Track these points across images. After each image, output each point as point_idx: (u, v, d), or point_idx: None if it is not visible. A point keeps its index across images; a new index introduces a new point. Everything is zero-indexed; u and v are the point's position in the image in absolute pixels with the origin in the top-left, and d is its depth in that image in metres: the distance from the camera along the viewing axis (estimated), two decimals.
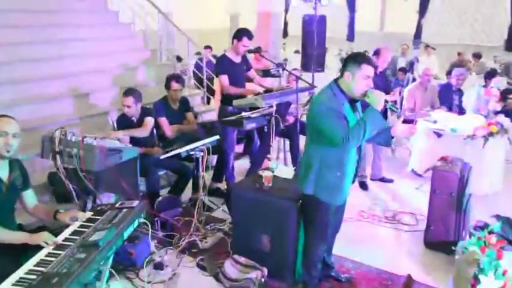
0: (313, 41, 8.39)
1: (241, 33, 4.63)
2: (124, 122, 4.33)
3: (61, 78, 5.58)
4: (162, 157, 3.86)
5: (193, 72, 8.09)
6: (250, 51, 4.76)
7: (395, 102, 5.50)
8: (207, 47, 9.19)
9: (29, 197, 2.93)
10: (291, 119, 5.33)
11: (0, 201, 2.69)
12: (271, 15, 9.13)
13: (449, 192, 3.63)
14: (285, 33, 15.76)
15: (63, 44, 6.06)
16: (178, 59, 7.88)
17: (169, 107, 4.69)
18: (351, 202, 4.70)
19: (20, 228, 2.86)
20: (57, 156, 3.50)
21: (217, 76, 4.80)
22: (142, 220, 2.95)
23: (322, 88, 2.92)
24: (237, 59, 4.76)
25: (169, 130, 4.58)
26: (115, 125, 4.40)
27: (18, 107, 4.92)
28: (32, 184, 3.04)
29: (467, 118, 4.92)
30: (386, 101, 2.75)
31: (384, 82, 4.86)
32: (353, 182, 3.04)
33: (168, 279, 3.38)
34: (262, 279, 3.19)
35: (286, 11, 15.30)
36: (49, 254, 2.38)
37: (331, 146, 2.74)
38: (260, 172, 3.50)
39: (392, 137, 3.01)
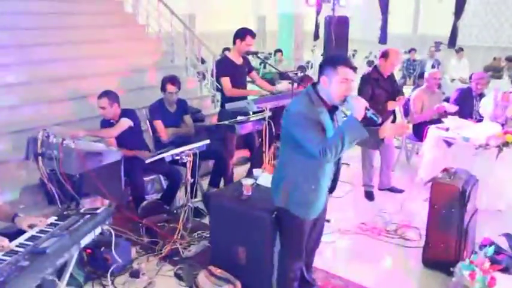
0: (336, 43, 8.11)
1: (244, 32, 4.49)
2: (104, 125, 4.26)
3: (70, 80, 5.61)
4: (147, 161, 3.74)
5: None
6: (248, 53, 4.58)
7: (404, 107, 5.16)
8: (226, 49, 9.06)
9: None
10: None
11: None
12: (294, 17, 8.92)
13: (450, 207, 3.32)
14: (316, 36, 15.43)
15: (76, 46, 6.11)
16: (202, 61, 7.82)
17: (165, 110, 4.58)
18: (352, 213, 4.53)
19: None
20: (39, 158, 3.48)
21: (218, 78, 4.66)
22: (106, 227, 2.82)
23: (299, 94, 2.72)
24: (239, 61, 4.62)
25: (164, 133, 4.48)
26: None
27: (24, 108, 5.00)
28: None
29: (483, 126, 4.54)
30: (367, 109, 2.49)
31: (391, 86, 4.57)
32: (331, 192, 2.81)
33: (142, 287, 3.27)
34: None
35: (318, 12, 15.00)
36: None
37: (307, 157, 2.52)
38: (242, 180, 3.32)
39: (382, 139, 2.78)
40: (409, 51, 10.87)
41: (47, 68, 5.61)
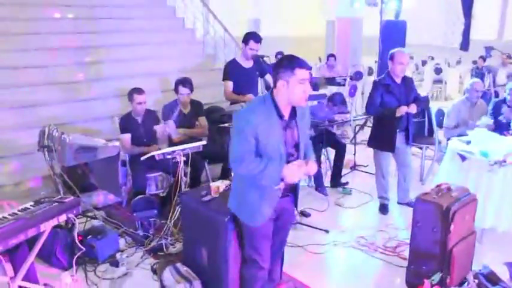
0: (389, 48, 7.73)
1: (247, 37, 4.53)
2: (129, 122, 4.50)
3: (116, 79, 6.06)
4: (142, 158, 3.92)
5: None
6: (253, 57, 4.56)
7: (416, 115, 4.76)
8: (279, 53, 9.08)
9: None
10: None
11: None
12: (351, 21, 8.67)
13: (432, 226, 3.05)
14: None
15: (126, 48, 6.60)
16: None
17: (178, 111, 4.74)
18: (356, 225, 4.33)
19: None
20: (45, 150, 3.82)
21: (223, 81, 4.73)
22: (72, 216, 3.01)
23: (256, 99, 2.70)
24: (247, 64, 4.64)
25: (174, 133, 4.64)
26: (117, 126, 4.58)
27: (67, 104, 5.52)
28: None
29: (508, 140, 4.08)
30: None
31: (405, 92, 4.28)
32: (286, 196, 2.69)
33: (117, 277, 3.43)
34: None
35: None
36: None
37: None
38: (212, 182, 3.35)
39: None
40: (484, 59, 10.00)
41: (97, 67, 6.13)
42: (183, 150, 3.89)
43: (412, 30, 10.40)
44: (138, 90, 4.49)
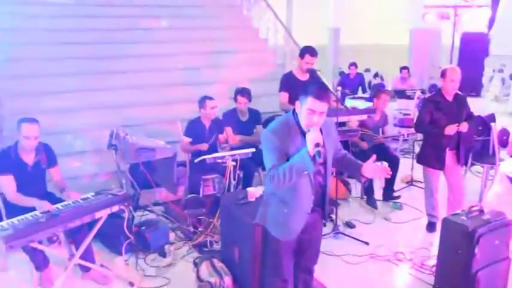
0: (468, 60, 7.48)
1: (303, 51, 4.72)
2: (197, 126, 4.82)
3: (189, 85, 6.58)
4: (195, 161, 4.32)
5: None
6: (308, 71, 4.73)
7: (480, 133, 4.58)
8: (352, 64, 9.11)
9: (53, 173, 3.73)
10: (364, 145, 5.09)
11: (27, 177, 3.54)
12: (429, 32, 8.43)
13: (456, 248, 3.05)
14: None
15: (201, 56, 7.14)
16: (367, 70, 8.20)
17: (237, 118, 5.09)
18: (399, 241, 4.33)
19: (50, 196, 3.70)
20: (113, 149, 4.37)
21: (279, 91, 4.96)
22: (123, 207, 3.46)
23: (283, 116, 2.76)
24: (303, 77, 4.83)
25: (232, 139, 4.99)
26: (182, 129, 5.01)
27: (142, 107, 6.15)
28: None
29: None
30: (317, 145, 2.42)
31: (457, 110, 4.17)
32: (318, 212, 2.75)
33: (162, 266, 3.84)
34: (221, 287, 3.35)
35: (490, 27, 13.59)
36: (31, 214, 3.12)
37: None
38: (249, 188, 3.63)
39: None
40: None
41: (170, 74, 6.72)
42: (232, 156, 4.23)
43: (502, 41, 9.82)
44: (210, 97, 4.80)
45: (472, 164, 5.34)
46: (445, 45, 8.57)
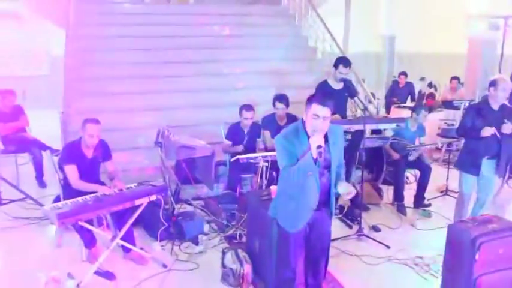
0: None
1: (337, 61, 4.98)
2: (236, 131, 5.29)
3: (232, 91, 7.05)
4: (231, 160, 4.72)
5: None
6: (341, 80, 4.96)
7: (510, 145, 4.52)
8: (402, 73, 9.13)
9: (107, 166, 4.29)
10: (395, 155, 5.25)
11: (85, 168, 4.12)
12: (483, 42, 8.26)
13: (459, 254, 3.19)
14: None
15: (246, 63, 7.57)
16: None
17: (275, 123, 5.42)
18: (421, 246, 4.46)
19: (102, 185, 4.23)
20: (159, 146, 4.87)
21: None
22: (159, 197, 3.93)
23: (293, 123, 3.06)
24: (337, 86, 5.08)
25: (270, 143, 5.33)
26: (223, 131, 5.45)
27: (188, 109, 6.69)
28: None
29: None
30: (319, 147, 2.74)
31: (500, 118, 4.11)
32: (325, 211, 3.08)
33: (194, 253, 4.27)
34: (241, 273, 3.71)
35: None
36: (82, 198, 3.67)
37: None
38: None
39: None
40: None
41: (219, 80, 7.21)
42: (264, 157, 4.59)
43: None
44: (247, 107, 5.25)
45: (510, 177, 5.30)
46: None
